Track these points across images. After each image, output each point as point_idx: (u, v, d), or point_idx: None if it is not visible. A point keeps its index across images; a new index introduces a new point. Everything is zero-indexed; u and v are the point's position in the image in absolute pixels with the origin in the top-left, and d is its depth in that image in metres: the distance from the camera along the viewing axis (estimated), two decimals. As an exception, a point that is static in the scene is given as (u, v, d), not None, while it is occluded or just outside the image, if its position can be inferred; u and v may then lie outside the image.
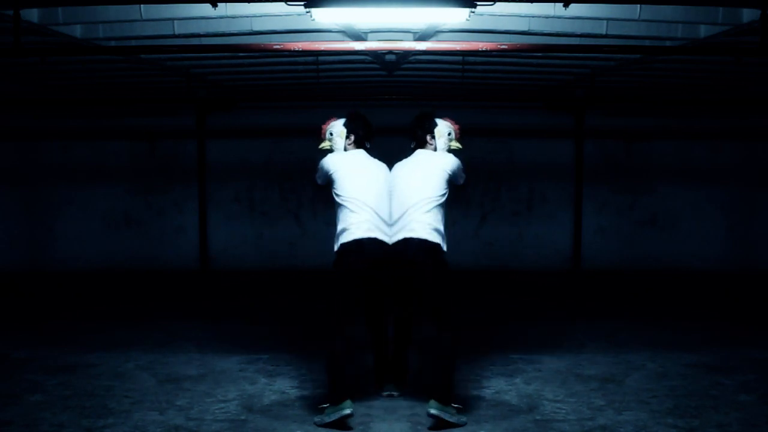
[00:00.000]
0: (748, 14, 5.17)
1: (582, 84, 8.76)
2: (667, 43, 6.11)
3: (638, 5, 5.25)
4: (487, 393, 5.10)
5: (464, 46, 5.67)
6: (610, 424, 4.49)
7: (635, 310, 8.20)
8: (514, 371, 5.65)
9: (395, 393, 4.95)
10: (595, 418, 4.59)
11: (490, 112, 10.15)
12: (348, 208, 4.54)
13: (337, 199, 4.62)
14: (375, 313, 4.93)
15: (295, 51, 5.38)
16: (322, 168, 4.74)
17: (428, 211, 4.51)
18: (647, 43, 6.10)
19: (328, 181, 4.70)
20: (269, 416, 4.62)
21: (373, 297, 4.85)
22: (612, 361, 5.93)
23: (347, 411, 4.37)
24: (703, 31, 5.75)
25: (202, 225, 10.75)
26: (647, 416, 4.62)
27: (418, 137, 4.86)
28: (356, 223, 4.51)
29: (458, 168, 4.71)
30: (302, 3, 4.47)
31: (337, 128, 4.86)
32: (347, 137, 4.83)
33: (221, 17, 5.53)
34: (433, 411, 4.36)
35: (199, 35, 5.90)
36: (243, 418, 4.60)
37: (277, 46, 5.39)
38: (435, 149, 4.82)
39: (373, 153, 4.88)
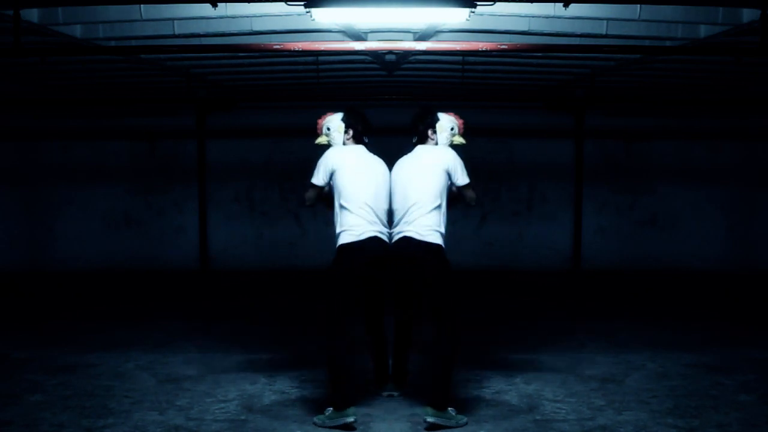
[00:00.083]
0: (748, 14, 5.17)
1: (582, 84, 8.77)
2: (667, 43, 6.11)
3: (638, 5, 5.25)
4: (487, 393, 5.10)
5: (464, 46, 5.68)
6: (610, 424, 4.49)
7: (635, 310, 8.20)
8: (514, 371, 5.64)
9: (395, 393, 4.94)
10: (595, 418, 4.58)
11: (490, 112, 10.16)
12: (348, 206, 4.45)
13: (337, 196, 4.51)
14: (374, 313, 4.88)
15: (295, 51, 5.38)
16: (325, 164, 4.54)
17: (429, 212, 4.43)
18: (647, 43, 6.10)
19: (329, 179, 4.55)
20: (269, 416, 4.62)
21: (373, 297, 4.82)
22: (612, 361, 5.92)
23: (350, 419, 4.36)
24: (703, 31, 5.75)
25: (202, 225, 10.75)
26: (647, 416, 4.62)
27: (420, 132, 4.73)
28: (357, 221, 4.44)
29: (456, 164, 4.54)
30: (302, 3, 4.47)
31: (334, 123, 4.71)
32: (345, 132, 4.70)
33: (221, 17, 5.53)
34: (429, 419, 4.35)
35: (199, 35, 5.90)
36: (243, 418, 4.59)
37: (277, 46, 5.39)
38: (437, 144, 4.69)
39: (373, 152, 4.84)
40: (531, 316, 7.92)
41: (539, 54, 6.90)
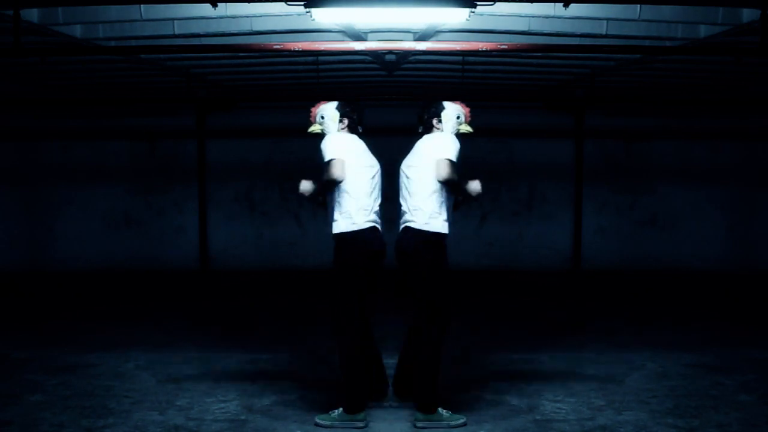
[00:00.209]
0: (748, 14, 5.17)
1: (582, 84, 8.77)
2: (667, 43, 6.11)
3: (638, 5, 5.24)
4: (487, 393, 5.10)
5: (464, 46, 5.67)
6: (610, 424, 4.49)
7: (635, 310, 8.20)
8: (514, 371, 5.64)
9: (394, 405, 4.76)
10: (595, 418, 4.58)
11: (490, 112, 10.14)
12: (352, 193, 4.37)
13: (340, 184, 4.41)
14: (364, 312, 4.63)
15: (295, 51, 5.38)
16: (337, 142, 4.41)
17: (427, 198, 4.36)
18: (647, 43, 6.10)
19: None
20: (269, 416, 4.62)
21: (365, 293, 4.58)
22: (612, 361, 5.92)
23: (361, 424, 4.35)
24: (703, 31, 5.75)
25: (202, 225, 10.75)
26: (647, 416, 4.62)
27: (425, 122, 4.64)
28: (358, 209, 4.38)
29: (446, 141, 4.40)
30: (302, 3, 4.47)
31: (328, 111, 4.62)
32: (340, 121, 4.61)
33: (221, 17, 5.53)
34: (419, 424, 4.33)
35: (199, 35, 5.90)
36: (243, 418, 4.59)
37: (277, 46, 5.39)
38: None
39: (374, 153, 4.82)
40: (531, 316, 7.92)
41: (539, 54, 6.90)
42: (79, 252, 10.78)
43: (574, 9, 5.11)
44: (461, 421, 4.42)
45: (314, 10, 4.48)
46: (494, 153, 10.60)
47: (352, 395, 4.39)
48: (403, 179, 4.55)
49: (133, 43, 6.14)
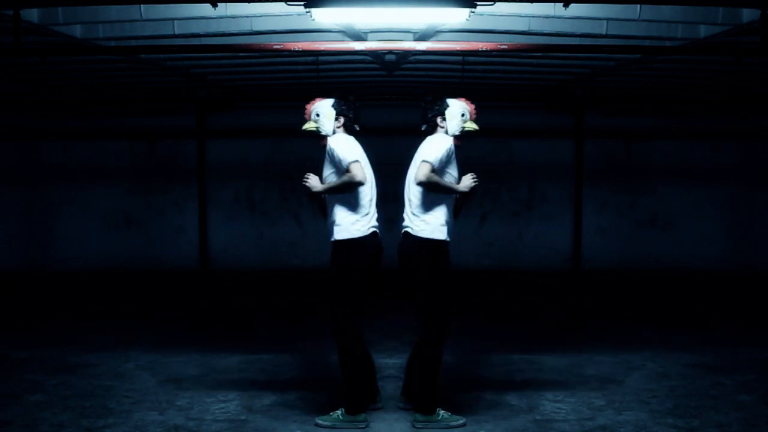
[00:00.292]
0: (748, 14, 5.17)
1: (582, 84, 8.77)
2: (667, 43, 6.11)
3: (638, 5, 5.24)
4: (487, 393, 5.10)
5: (464, 46, 5.67)
6: (610, 424, 4.49)
7: (635, 310, 8.20)
8: (514, 371, 5.65)
9: (409, 405, 4.68)
10: (595, 418, 4.59)
11: (490, 112, 10.06)
12: (360, 198, 4.36)
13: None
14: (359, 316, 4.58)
15: (295, 51, 5.37)
16: (353, 146, 4.35)
17: (421, 204, 4.34)
18: (647, 43, 6.10)
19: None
20: (269, 416, 4.62)
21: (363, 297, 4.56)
22: (612, 361, 5.92)
23: (362, 425, 4.36)
24: (703, 31, 5.75)
25: (202, 225, 10.75)
26: (647, 416, 4.62)
27: (429, 120, 4.54)
28: (364, 213, 4.38)
29: (432, 144, 4.34)
30: (302, 3, 4.47)
31: (324, 109, 4.50)
32: (336, 119, 4.49)
33: (221, 17, 5.53)
34: (417, 425, 4.34)
35: (199, 35, 5.90)
36: (243, 418, 4.59)
37: (277, 46, 5.38)
38: (447, 132, 4.48)
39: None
40: (531, 316, 7.92)
41: (539, 54, 6.90)
42: (79, 252, 10.78)
43: (574, 9, 5.11)
44: (461, 421, 4.43)
45: (314, 10, 4.48)
46: (494, 153, 10.60)
47: (353, 396, 4.40)
48: (405, 184, 4.54)
49: (133, 43, 6.14)
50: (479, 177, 4.51)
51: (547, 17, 5.55)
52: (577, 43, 5.88)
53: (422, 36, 5.92)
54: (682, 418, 4.59)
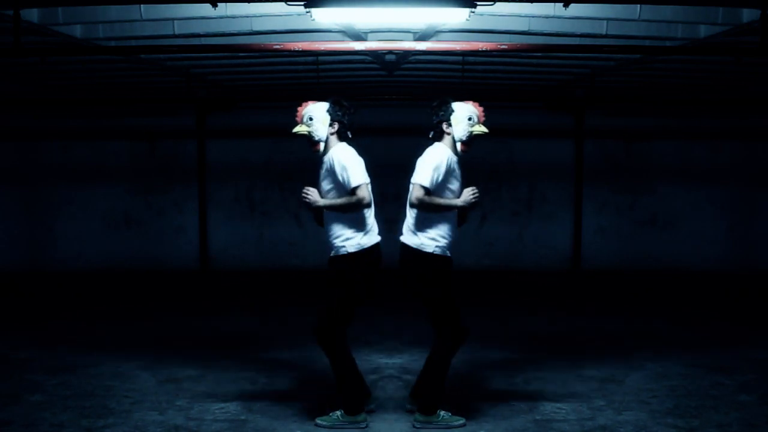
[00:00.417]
0: (748, 14, 5.17)
1: (582, 84, 8.77)
2: (667, 43, 6.11)
3: (638, 5, 5.25)
4: (487, 393, 5.10)
5: (464, 46, 5.67)
6: (610, 424, 4.49)
7: (635, 309, 8.20)
8: (514, 371, 5.64)
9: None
10: (595, 418, 4.59)
11: (490, 112, 10.05)
12: (365, 214, 4.29)
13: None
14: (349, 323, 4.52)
15: (295, 51, 5.38)
16: (360, 160, 4.25)
17: (417, 218, 4.28)
18: (647, 43, 6.10)
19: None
20: (269, 416, 4.62)
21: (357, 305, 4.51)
22: (612, 361, 5.92)
23: (362, 425, 4.36)
24: (703, 31, 5.75)
25: (202, 225, 10.75)
26: (647, 416, 4.62)
27: (435, 127, 4.38)
28: (371, 224, 4.34)
29: (423, 161, 4.23)
30: (302, 3, 4.47)
31: (319, 113, 4.33)
32: (330, 125, 4.32)
33: (221, 17, 5.53)
34: (417, 424, 4.35)
35: (199, 35, 5.90)
36: (243, 418, 4.59)
37: (277, 46, 5.39)
38: (453, 139, 4.33)
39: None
40: (531, 316, 7.92)
41: (539, 54, 6.90)
42: (79, 252, 10.78)
43: (574, 9, 5.11)
44: (460, 422, 4.43)
45: (314, 10, 4.48)
46: (494, 153, 10.59)
47: (351, 397, 4.40)
48: (410, 189, 4.42)
49: (133, 43, 6.15)
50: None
51: (547, 17, 5.55)
52: (577, 43, 5.88)
53: (422, 36, 5.92)
54: (682, 418, 4.59)
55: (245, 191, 10.88)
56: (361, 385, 4.49)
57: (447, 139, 4.37)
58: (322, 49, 5.56)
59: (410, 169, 4.38)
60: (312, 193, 4.30)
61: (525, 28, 5.72)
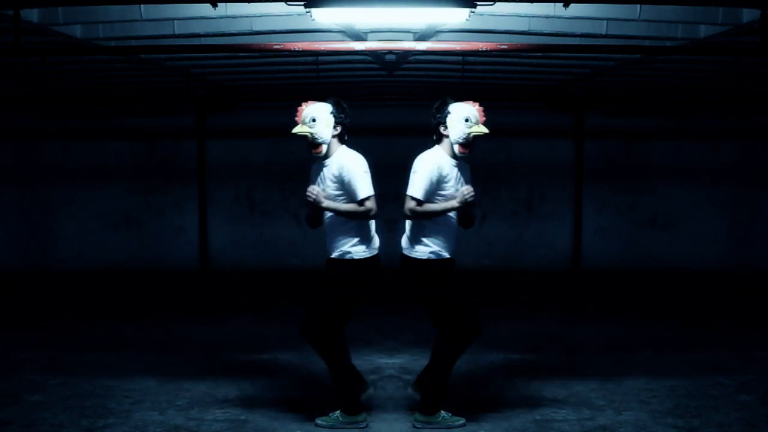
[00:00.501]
0: (748, 14, 5.17)
1: (582, 84, 8.77)
2: (667, 43, 6.11)
3: (638, 5, 5.24)
4: (487, 393, 5.10)
5: (464, 46, 5.67)
6: (610, 424, 4.49)
7: (635, 310, 8.20)
8: (515, 371, 5.65)
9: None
10: (595, 418, 4.59)
11: (490, 111, 10.07)
12: (369, 223, 4.29)
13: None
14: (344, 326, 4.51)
15: (295, 51, 5.38)
16: (366, 168, 4.20)
17: (413, 225, 4.27)
18: (647, 43, 6.10)
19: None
20: (269, 416, 4.62)
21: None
22: (612, 361, 5.92)
23: (362, 425, 4.36)
24: (703, 31, 5.75)
25: (202, 225, 10.75)
26: (647, 416, 4.62)
27: (434, 130, 4.32)
28: (374, 232, 4.34)
29: (414, 172, 4.19)
30: (302, 3, 4.47)
31: (323, 114, 4.22)
32: (334, 127, 4.24)
33: (221, 17, 5.53)
34: (417, 424, 4.35)
35: (199, 35, 5.90)
36: (243, 418, 4.59)
37: (277, 46, 5.39)
38: (451, 142, 4.26)
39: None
40: (531, 316, 7.92)
41: (539, 54, 6.90)
42: (79, 252, 10.78)
43: (574, 9, 5.11)
44: (460, 422, 4.43)
45: (314, 10, 4.48)
46: (494, 153, 10.59)
47: (350, 398, 4.39)
48: None
49: (133, 43, 6.14)
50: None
51: (547, 17, 5.55)
52: (577, 43, 5.88)
53: (422, 36, 5.92)
54: (682, 418, 4.59)
55: (245, 191, 10.88)
56: (358, 381, 4.49)
57: (445, 141, 4.32)
58: (322, 49, 5.56)
59: (410, 169, 4.36)
60: (316, 193, 4.24)
61: (525, 28, 5.72)
